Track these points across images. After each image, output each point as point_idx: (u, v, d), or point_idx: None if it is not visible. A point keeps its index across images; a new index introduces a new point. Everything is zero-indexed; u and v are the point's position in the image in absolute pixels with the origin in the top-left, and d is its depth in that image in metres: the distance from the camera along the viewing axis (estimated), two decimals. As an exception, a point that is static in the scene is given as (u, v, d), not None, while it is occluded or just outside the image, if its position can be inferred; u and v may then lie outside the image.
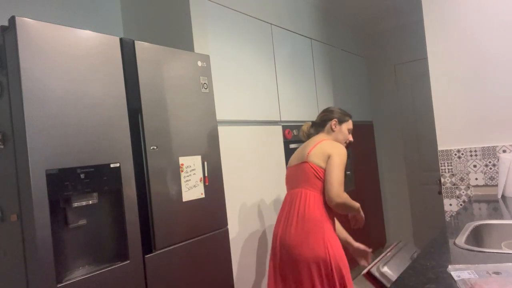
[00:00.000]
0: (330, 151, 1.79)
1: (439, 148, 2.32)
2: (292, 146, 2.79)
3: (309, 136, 2.05)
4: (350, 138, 2.02)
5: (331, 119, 1.98)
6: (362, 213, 1.85)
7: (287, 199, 1.88)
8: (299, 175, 1.84)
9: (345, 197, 1.73)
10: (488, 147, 2.17)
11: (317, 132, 2.02)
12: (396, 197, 4.19)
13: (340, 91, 3.57)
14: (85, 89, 1.39)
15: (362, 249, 1.93)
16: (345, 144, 1.98)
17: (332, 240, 1.72)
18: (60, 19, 2.14)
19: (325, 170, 1.77)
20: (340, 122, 1.99)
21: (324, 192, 1.76)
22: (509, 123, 2.12)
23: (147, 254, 1.55)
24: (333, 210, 1.79)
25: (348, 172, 3.50)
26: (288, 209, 1.83)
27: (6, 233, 1.34)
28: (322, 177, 1.78)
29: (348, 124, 2.02)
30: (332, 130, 1.97)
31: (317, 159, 1.79)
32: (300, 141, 2.88)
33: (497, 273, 0.99)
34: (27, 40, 1.24)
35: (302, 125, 2.89)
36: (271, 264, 1.86)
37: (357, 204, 1.79)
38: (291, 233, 1.75)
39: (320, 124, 2.02)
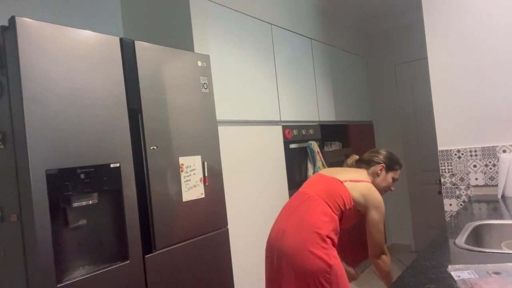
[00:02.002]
0: (371, 203, 1.68)
1: (439, 148, 2.32)
2: (292, 146, 2.79)
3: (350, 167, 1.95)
4: (393, 188, 1.90)
5: (379, 163, 1.84)
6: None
7: (293, 199, 1.75)
8: (327, 186, 1.70)
9: (386, 257, 1.71)
10: (488, 147, 2.17)
11: (358, 167, 1.90)
12: (396, 197, 4.19)
13: (340, 91, 3.57)
14: (85, 89, 1.39)
15: (352, 273, 1.91)
16: (384, 193, 1.86)
17: (331, 250, 1.58)
18: (60, 19, 2.14)
19: (354, 205, 1.69)
20: (388, 169, 1.86)
21: (337, 213, 1.66)
22: (509, 123, 2.12)
23: (147, 254, 1.54)
24: (339, 230, 1.68)
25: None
26: (289, 211, 1.69)
27: (6, 233, 1.34)
28: (352, 205, 1.68)
29: (395, 174, 1.88)
30: (377, 175, 1.84)
31: (353, 193, 1.69)
32: (300, 141, 2.88)
33: (497, 273, 0.99)
34: (27, 40, 1.24)
35: (301, 125, 2.91)
36: (267, 274, 1.69)
37: (390, 277, 1.72)
38: (288, 239, 1.58)
39: (366, 163, 1.87)
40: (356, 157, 1.96)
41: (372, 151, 1.92)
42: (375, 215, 1.68)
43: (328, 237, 1.57)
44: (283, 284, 1.58)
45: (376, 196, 1.71)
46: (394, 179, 1.88)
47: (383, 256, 1.70)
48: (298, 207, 1.67)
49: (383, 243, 1.70)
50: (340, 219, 1.68)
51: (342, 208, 1.66)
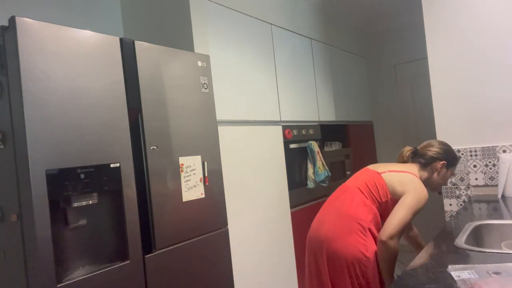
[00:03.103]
0: (409, 188, 1.54)
1: (439, 148, 2.32)
2: (292, 146, 2.79)
3: (404, 162, 1.79)
4: (447, 183, 1.79)
5: (441, 160, 1.70)
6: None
7: (335, 192, 1.72)
8: (366, 179, 1.64)
9: (394, 245, 1.44)
10: (488, 147, 2.17)
11: (413, 162, 1.75)
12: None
13: (340, 91, 3.57)
14: (85, 89, 1.39)
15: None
16: (438, 190, 1.76)
17: (371, 245, 1.51)
18: (60, 19, 2.14)
19: (391, 197, 1.57)
20: (449, 166, 1.72)
21: (375, 206, 1.58)
22: (509, 123, 2.12)
23: (147, 254, 1.54)
24: (380, 223, 1.59)
25: (348, 172, 3.50)
26: (330, 203, 1.67)
27: (6, 233, 1.34)
28: (388, 197, 1.58)
29: (454, 170, 1.77)
30: (438, 172, 1.70)
31: (390, 183, 1.58)
32: (300, 141, 2.88)
33: (497, 273, 0.99)
34: (27, 40, 1.24)
35: (301, 125, 2.91)
36: (306, 261, 1.66)
37: (394, 264, 1.50)
38: (326, 227, 1.56)
39: (423, 157, 1.72)
40: (411, 148, 1.79)
41: (429, 144, 1.76)
42: (409, 199, 1.50)
43: (369, 229, 1.52)
44: (321, 272, 1.55)
45: (418, 185, 1.56)
46: (451, 175, 1.76)
47: (391, 241, 1.46)
48: (337, 199, 1.65)
49: (401, 228, 1.46)
50: (380, 213, 1.59)
51: (379, 199, 1.58)
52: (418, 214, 1.54)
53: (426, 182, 1.71)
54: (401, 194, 1.54)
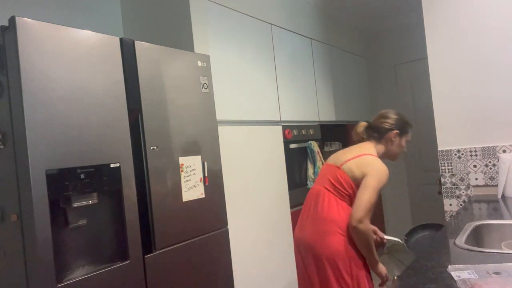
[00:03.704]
0: (368, 170, 1.58)
1: (439, 148, 2.32)
2: (292, 146, 2.79)
3: (360, 139, 1.81)
4: (405, 149, 1.79)
5: (392, 130, 1.72)
6: (379, 266, 1.60)
7: (307, 197, 1.76)
8: (329, 176, 1.68)
9: (364, 227, 1.50)
10: (488, 147, 2.17)
11: (368, 138, 1.78)
12: (396, 197, 4.19)
13: (340, 91, 3.56)
14: (85, 89, 1.39)
15: (383, 275, 1.65)
16: (395, 158, 1.79)
17: (352, 242, 1.56)
18: (60, 19, 2.14)
19: (355, 187, 1.60)
20: (402, 134, 1.75)
21: (346, 200, 1.63)
22: (509, 123, 2.12)
23: (147, 254, 1.54)
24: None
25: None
26: (306, 209, 1.73)
27: (6, 233, 1.34)
28: (353, 187, 1.61)
29: (408, 136, 1.78)
30: (392, 142, 1.73)
31: (351, 172, 1.61)
32: (300, 141, 2.88)
33: (497, 273, 0.99)
34: (27, 40, 1.24)
35: (301, 125, 2.91)
36: (298, 271, 1.74)
37: (372, 245, 1.55)
38: (307, 234, 1.64)
39: (376, 130, 1.75)
40: (365, 124, 1.83)
41: (381, 116, 1.80)
42: (370, 180, 1.55)
43: (347, 225, 1.56)
44: (309, 274, 1.63)
45: (377, 165, 1.60)
46: (407, 142, 1.78)
47: (360, 225, 1.51)
48: (310, 204, 1.70)
49: (367, 210, 1.52)
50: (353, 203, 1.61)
51: (346, 192, 1.62)
52: (381, 189, 1.60)
53: (384, 155, 1.75)
54: (360, 178, 1.58)
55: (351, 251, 1.55)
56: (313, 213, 1.66)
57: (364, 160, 1.63)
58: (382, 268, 1.62)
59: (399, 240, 1.81)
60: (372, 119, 1.85)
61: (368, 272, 1.61)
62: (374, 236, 1.72)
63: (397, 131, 1.73)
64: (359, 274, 1.55)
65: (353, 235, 1.54)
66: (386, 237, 1.81)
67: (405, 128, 1.76)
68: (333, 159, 1.75)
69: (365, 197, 1.52)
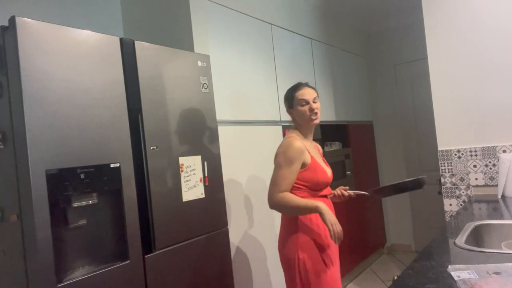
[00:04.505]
0: (276, 152, 1.65)
1: (439, 148, 2.32)
2: (292, 146, 2.78)
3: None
4: (310, 108, 1.65)
5: (286, 108, 1.76)
6: (331, 219, 1.47)
7: None
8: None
9: (276, 199, 1.56)
10: (488, 147, 2.17)
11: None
12: (396, 197, 4.18)
13: (340, 91, 3.56)
14: (85, 89, 1.39)
15: (328, 224, 1.49)
16: (313, 119, 1.67)
17: (305, 242, 1.58)
18: (60, 19, 2.14)
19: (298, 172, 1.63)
20: (290, 105, 1.73)
21: (300, 192, 1.63)
22: (509, 123, 2.12)
23: (147, 254, 1.54)
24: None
25: (348, 172, 3.50)
26: None
27: (6, 233, 1.34)
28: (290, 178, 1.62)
29: (297, 100, 1.68)
30: (294, 118, 1.73)
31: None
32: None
33: (497, 273, 0.99)
34: (27, 40, 1.24)
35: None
36: None
37: (297, 204, 1.53)
38: (279, 235, 1.74)
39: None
40: None
41: None
42: (277, 159, 1.63)
43: (300, 221, 1.62)
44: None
45: (282, 143, 1.66)
46: (302, 102, 1.67)
47: (274, 202, 1.57)
48: None
49: (278, 187, 1.57)
50: (312, 190, 1.63)
51: (296, 185, 1.63)
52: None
53: (301, 129, 1.73)
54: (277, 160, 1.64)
55: (302, 252, 1.59)
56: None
57: (277, 149, 1.68)
58: (327, 215, 1.48)
59: (366, 193, 1.73)
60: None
61: (323, 261, 1.59)
62: (296, 196, 1.60)
63: (287, 108, 1.76)
64: (313, 272, 1.57)
65: (279, 209, 1.62)
66: (352, 192, 1.76)
67: (289, 99, 1.73)
68: None
69: (274, 176, 1.61)
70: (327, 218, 1.47)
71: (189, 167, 1.77)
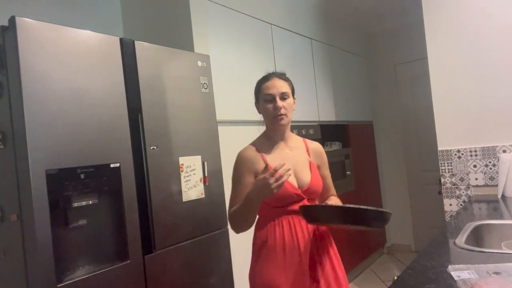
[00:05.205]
0: None
1: (439, 148, 2.32)
2: (292, 146, 2.78)
3: None
4: (274, 106, 1.37)
5: (255, 104, 1.48)
6: (258, 184, 1.20)
7: None
8: None
9: (229, 219, 1.37)
10: (488, 147, 2.17)
11: None
12: (396, 197, 4.19)
13: (340, 91, 3.56)
14: (85, 89, 1.39)
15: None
16: (277, 120, 1.39)
17: (258, 265, 1.43)
18: (60, 19, 2.14)
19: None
20: (256, 99, 1.45)
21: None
22: (509, 123, 2.12)
23: (147, 254, 1.54)
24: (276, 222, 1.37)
25: (348, 172, 3.50)
26: None
27: (6, 233, 1.34)
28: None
29: (262, 94, 1.40)
30: (262, 114, 1.45)
31: None
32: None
33: (497, 273, 0.99)
34: (27, 40, 1.24)
35: (301, 125, 2.91)
36: None
37: (241, 211, 1.30)
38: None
39: None
40: None
41: None
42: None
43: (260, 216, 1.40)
44: None
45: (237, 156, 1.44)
46: (267, 100, 1.39)
47: (231, 226, 1.36)
48: None
49: (230, 204, 1.37)
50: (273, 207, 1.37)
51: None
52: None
53: (267, 127, 1.49)
54: None
55: (256, 276, 1.45)
56: None
57: None
58: (254, 192, 1.23)
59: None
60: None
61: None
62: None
63: (255, 102, 1.48)
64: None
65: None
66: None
67: (256, 92, 1.46)
68: None
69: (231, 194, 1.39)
70: (256, 193, 1.21)
71: (189, 167, 1.77)
